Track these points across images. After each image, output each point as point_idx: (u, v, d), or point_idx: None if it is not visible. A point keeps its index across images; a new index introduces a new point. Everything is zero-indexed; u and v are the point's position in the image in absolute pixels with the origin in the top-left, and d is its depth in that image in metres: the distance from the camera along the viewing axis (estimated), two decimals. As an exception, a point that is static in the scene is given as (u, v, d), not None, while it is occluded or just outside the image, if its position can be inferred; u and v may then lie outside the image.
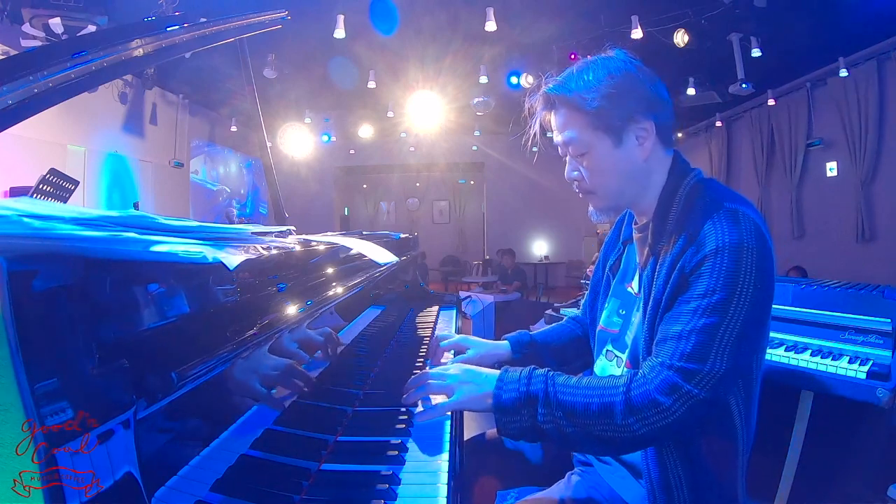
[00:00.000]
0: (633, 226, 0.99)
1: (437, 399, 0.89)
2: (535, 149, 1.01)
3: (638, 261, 0.98)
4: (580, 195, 0.96)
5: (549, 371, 0.82)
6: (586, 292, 1.19)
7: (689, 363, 0.74)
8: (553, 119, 0.93)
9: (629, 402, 0.75)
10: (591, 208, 0.96)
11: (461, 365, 0.93)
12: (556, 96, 0.90)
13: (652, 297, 0.85)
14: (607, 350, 1.02)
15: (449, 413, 0.93)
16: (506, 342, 1.15)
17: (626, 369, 0.93)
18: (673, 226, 0.86)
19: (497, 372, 0.85)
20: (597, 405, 0.76)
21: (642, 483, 0.87)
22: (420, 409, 0.92)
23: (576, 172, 0.93)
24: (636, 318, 0.94)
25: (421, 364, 1.24)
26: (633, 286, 0.99)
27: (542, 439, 0.81)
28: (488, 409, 0.82)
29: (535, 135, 0.98)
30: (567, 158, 0.94)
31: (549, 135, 0.96)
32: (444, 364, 0.97)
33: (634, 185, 0.91)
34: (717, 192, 0.86)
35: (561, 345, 1.18)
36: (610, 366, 1.00)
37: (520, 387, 0.80)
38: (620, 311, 1.01)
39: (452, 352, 1.16)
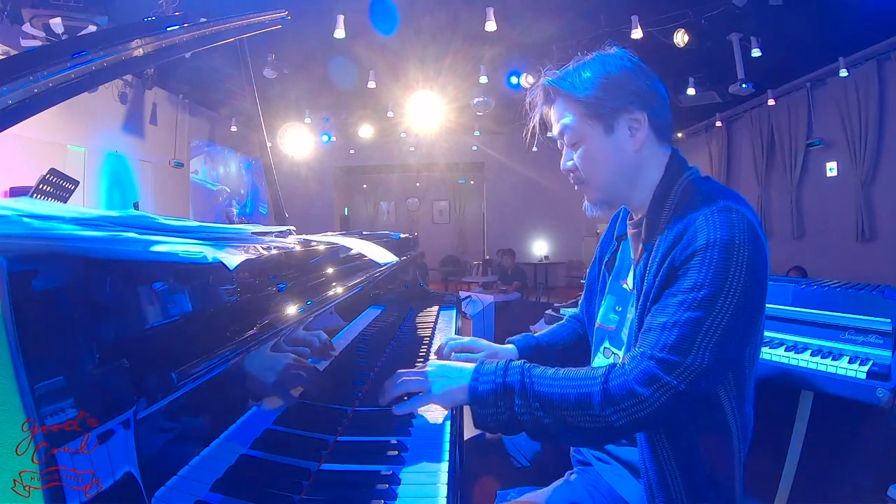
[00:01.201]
0: (629, 221, 1.00)
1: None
2: (535, 149, 1.01)
3: (632, 256, 0.98)
4: (575, 187, 0.97)
5: (524, 363, 0.83)
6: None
7: (670, 355, 0.74)
8: (552, 112, 0.95)
9: (607, 392, 0.75)
10: (585, 202, 0.97)
11: (438, 361, 0.93)
12: (553, 87, 0.92)
13: (643, 292, 0.85)
14: (605, 347, 1.02)
15: (443, 413, 0.93)
16: (512, 346, 1.16)
17: None
18: (666, 221, 0.86)
19: (473, 365, 0.85)
20: (574, 396, 0.76)
21: (641, 482, 0.87)
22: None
23: (570, 162, 0.94)
24: (631, 314, 0.94)
25: (421, 364, 1.23)
26: (628, 283, 0.99)
27: (519, 431, 0.80)
28: (465, 402, 0.82)
29: (534, 129, 0.99)
30: (563, 149, 0.95)
31: (549, 135, 0.97)
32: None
33: (626, 176, 0.92)
34: (712, 189, 0.86)
35: (565, 345, 1.19)
36: (608, 363, 1.00)
37: (496, 378, 0.80)
38: (616, 307, 1.01)
39: (452, 355, 1.16)
